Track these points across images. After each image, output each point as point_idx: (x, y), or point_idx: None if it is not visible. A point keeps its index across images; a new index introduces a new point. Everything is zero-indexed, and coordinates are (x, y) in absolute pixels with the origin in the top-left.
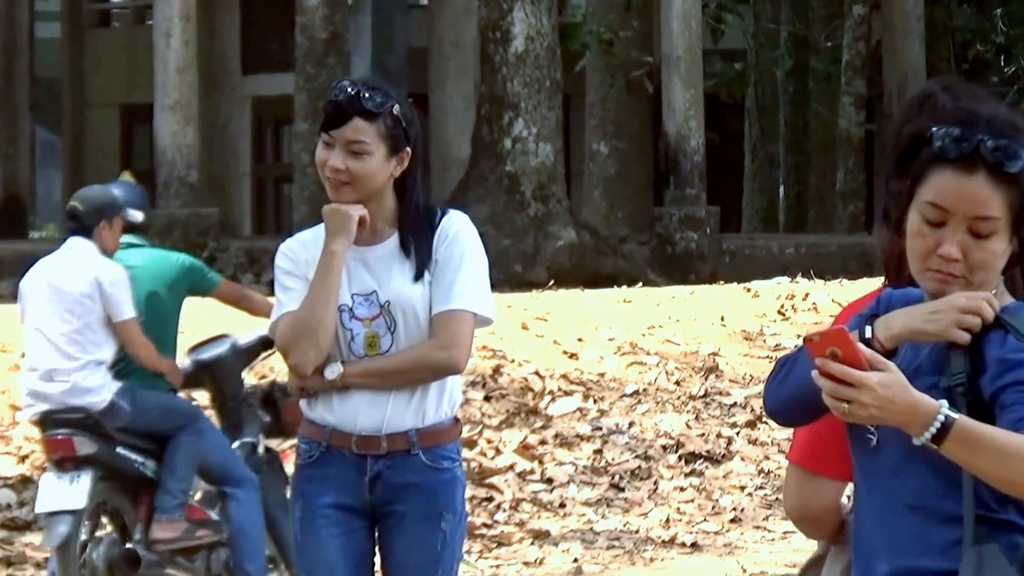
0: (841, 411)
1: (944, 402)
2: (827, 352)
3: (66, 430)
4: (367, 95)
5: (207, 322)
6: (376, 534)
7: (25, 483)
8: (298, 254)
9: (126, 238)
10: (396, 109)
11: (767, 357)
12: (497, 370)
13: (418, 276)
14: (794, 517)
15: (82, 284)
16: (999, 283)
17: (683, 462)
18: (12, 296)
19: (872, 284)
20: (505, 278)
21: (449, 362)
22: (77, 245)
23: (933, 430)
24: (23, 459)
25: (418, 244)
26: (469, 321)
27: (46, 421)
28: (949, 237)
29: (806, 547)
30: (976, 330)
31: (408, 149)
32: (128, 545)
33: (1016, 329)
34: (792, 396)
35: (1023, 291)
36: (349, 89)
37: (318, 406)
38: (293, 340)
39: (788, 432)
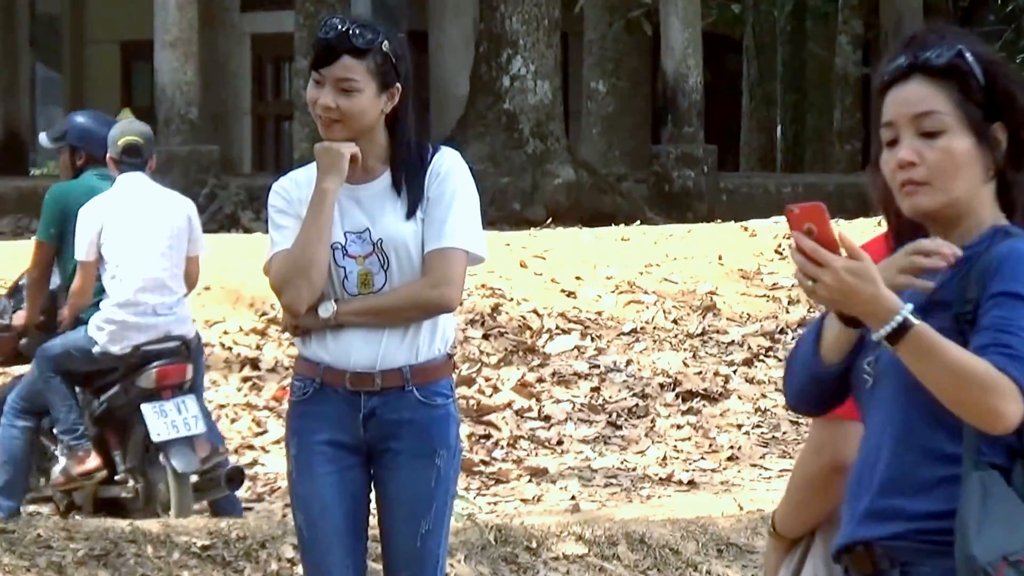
0: (807, 289)
1: (910, 305)
2: (804, 228)
3: (169, 360)
4: (356, 32)
5: None
6: (371, 471)
7: None
8: (291, 192)
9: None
10: (385, 46)
11: (764, 296)
12: (495, 308)
13: (410, 213)
14: (832, 468)
15: (180, 219)
16: (988, 203)
17: (680, 400)
18: (12, 233)
19: (868, 223)
20: (503, 216)
21: (441, 300)
22: (142, 182)
23: (890, 328)
24: None
25: (410, 181)
26: (461, 259)
27: (134, 354)
28: (904, 145)
29: None
30: (918, 271)
31: (398, 85)
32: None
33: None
34: (801, 382)
35: None
36: (339, 26)
37: (312, 344)
38: (286, 278)
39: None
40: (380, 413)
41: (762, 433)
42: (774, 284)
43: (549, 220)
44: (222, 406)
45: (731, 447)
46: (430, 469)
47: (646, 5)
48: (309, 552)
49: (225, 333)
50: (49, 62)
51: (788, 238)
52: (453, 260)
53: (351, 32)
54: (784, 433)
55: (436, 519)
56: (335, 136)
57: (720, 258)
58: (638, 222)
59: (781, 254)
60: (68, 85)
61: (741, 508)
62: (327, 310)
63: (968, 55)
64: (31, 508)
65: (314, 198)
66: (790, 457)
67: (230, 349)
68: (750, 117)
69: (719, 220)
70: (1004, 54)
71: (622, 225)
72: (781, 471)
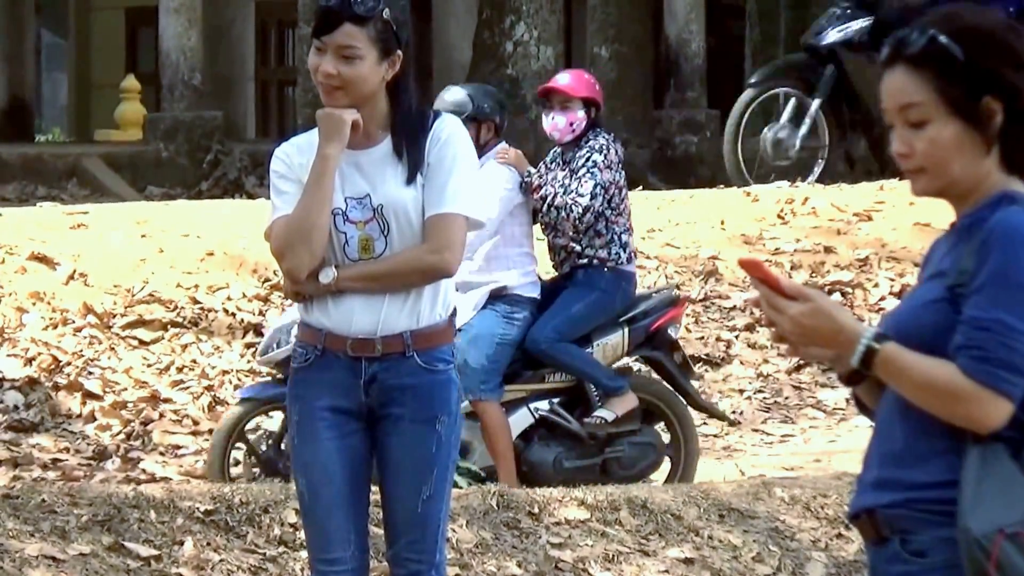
0: (775, 337)
1: (870, 331)
2: (758, 278)
3: None
4: (358, 0)
5: None
6: (372, 436)
7: (32, 385)
8: (292, 158)
9: None
10: (387, 13)
11: (767, 261)
12: None
13: (410, 179)
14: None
15: None
16: (993, 171)
17: None
18: (18, 199)
19: (870, 189)
20: None
21: (441, 265)
22: None
23: (857, 357)
24: (29, 361)
25: (411, 147)
26: (461, 224)
27: None
28: (896, 135)
29: (803, 451)
30: None
31: (399, 53)
32: None
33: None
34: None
35: None
36: None
37: (314, 310)
38: (288, 244)
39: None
40: (382, 379)
41: (764, 398)
42: (776, 249)
43: None
44: (225, 372)
45: (733, 412)
46: (431, 434)
47: None
48: (310, 517)
49: (228, 299)
50: (54, 28)
51: (790, 203)
52: (453, 225)
53: (352, 0)
54: (786, 398)
55: (437, 484)
56: (337, 103)
57: (723, 223)
58: (640, 187)
59: (783, 219)
60: (73, 51)
61: (743, 473)
62: (328, 276)
63: (942, 38)
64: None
65: (316, 164)
66: (792, 422)
67: (233, 315)
68: None
69: (722, 186)
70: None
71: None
72: (783, 436)
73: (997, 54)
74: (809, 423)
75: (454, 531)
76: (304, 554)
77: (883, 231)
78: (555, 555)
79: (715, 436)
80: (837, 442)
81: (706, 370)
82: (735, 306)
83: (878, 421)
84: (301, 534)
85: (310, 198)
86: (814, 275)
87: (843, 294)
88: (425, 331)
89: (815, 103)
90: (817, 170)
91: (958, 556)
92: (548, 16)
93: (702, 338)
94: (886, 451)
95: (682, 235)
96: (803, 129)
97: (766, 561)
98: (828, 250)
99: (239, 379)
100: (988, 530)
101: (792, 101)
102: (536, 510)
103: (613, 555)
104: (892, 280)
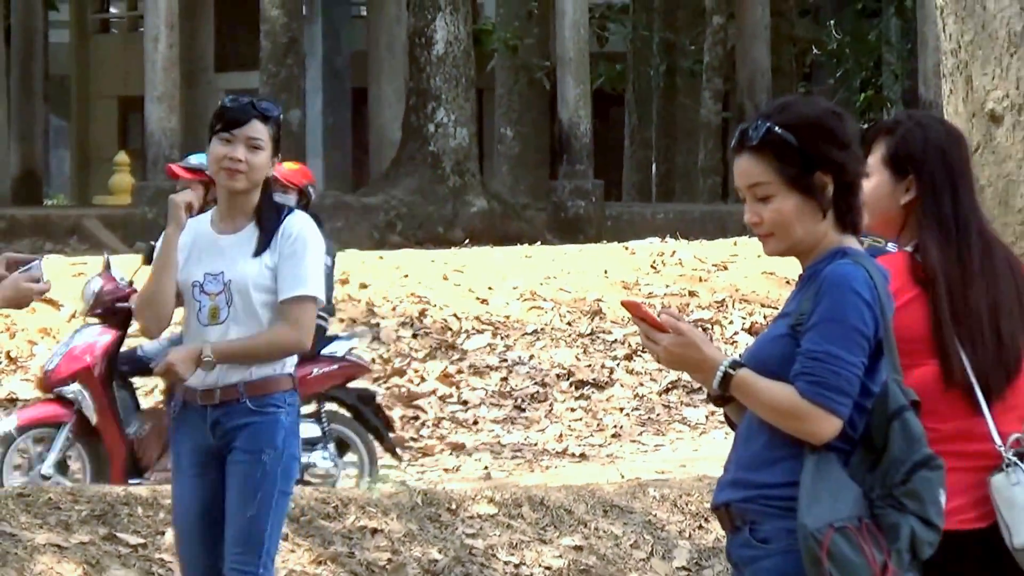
0: (656, 359)
1: (728, 360)
2: (639, 315)
3: None
4: (263, 104)
5: None
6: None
7: None
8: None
9: None
10: (280, 118)
11: (642, 303)
12: (422, 313)
13: (257, 256)
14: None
15: None
16: (829, 231)
17: (573, 388)
18: (29, 253)
19: (726, 244)
20: (429, 237)
21: (297, 342)
22: None
23: (717, 380)
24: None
25: (266, 234)
26: (312, 306)
27: None
28: (746, 208)
29: (671, 458)
30: None
31: (279, 154)
32: None
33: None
34: None
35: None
36: (247, 99)
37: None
38: (139, 308)
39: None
40: (222, 422)
41: (640, 415)
42: (650, 293)
43: (466, 241)
44: None
45: (615, 426)
46: (257, 465)
47: (545, 66)
48: (177, 542)
49: None
50: (60, 113)
51: (661, 255)
52: (306, 306)
53: (258, 103)
54: (658, 415)
55: (261, 506)
56: (238, 185)
57: (606, 272)
58: (539, 243)
59: (655, 269)
60: (75, 132)
61: (623, 476)
62: (207, 355)
63: (777, 128)
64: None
65: (161, 242)
66: (663, 435)
67: None
68: (630, 157)
69: (605, 241)
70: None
71: (526, 245)
72: (656, 446)
73: (824, 138)
74: (676, 435)
75: (387, 523)
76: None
77: (736, 278)
78: (469, 543)
79: (600, 446)
80: (699, 451)
81: (593, 392)
82: (616, 339)
83: (737, 433)
84: None
85: (155, 270)
86: (681, 314)
87: (704, 329)
88: (258, 382)
89: None
90: None
91: (796, 544)
92: (463, 103)
93: (589, 366)
94: (742, 457)
95: (573, 282)
96: None
97: (641, 547)
98: (692, 294)
99: None
100: (821, 525)
101: None
102: (453, 506)
103: (516, 543)
104: (744, 318)
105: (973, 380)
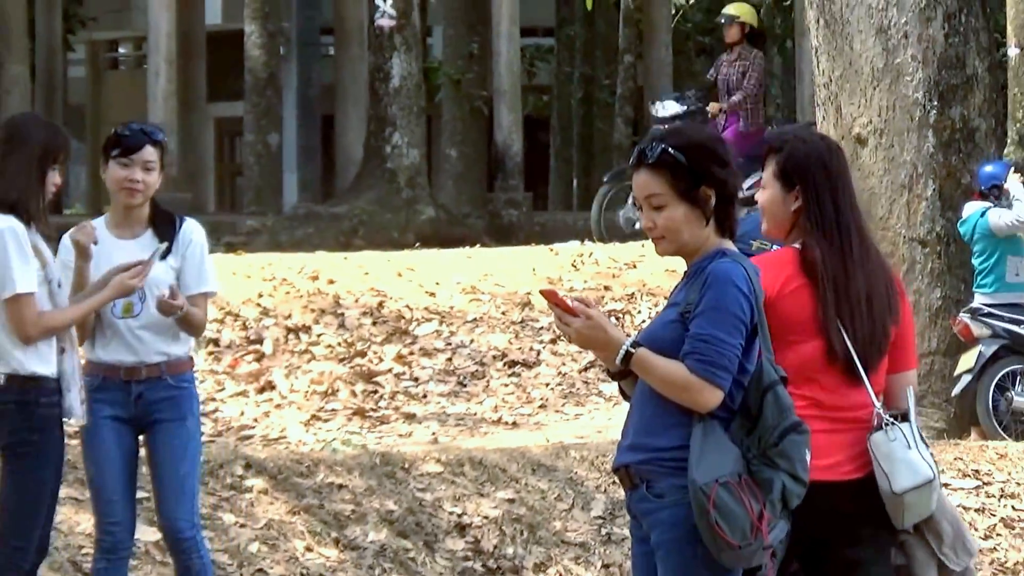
0: (568, 338)
1: (629, 340)
2: (555, 302)
3: None
4: (154, 132)
5: None
6: (139, 436)
7: None
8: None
9: None
10: (165, 141)
11: (556, 291)
12: (380, 304)
13: (163, 259)
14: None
15: None
16: (711, 235)
17: (507, 367)
18: None
19: (635, 246)
20: (386, 241)
21: (204, 326)
22: None
23: (620, 356)
24: None
25: (167, 240)
26: (209, 300)
27: None
28: (643, 215)
29: (589, 425)
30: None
31: (164, 169)
32: None
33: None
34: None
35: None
36: (139, 126)
37: (96, 350)
38: (79, 328)
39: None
40: (145, 394)
41: (563, 389)
42: (571, 288)
43: (417, 244)
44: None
45: (542, 399)
46: (183, 428)
47: (484, 96)
48: (98, 496)
49: None
50: (76, 136)
51: (580, 256)
52: (207, 299)
53: (150, 131)
54: (578, 389)
55: (191, 464)
56: (136, 202)
57: (534, 270)
58: (478, 245)
59: (576, 267)
60: (90, 152)
61: (548, 440)
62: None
63: (671, 150)
64: None
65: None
66: (582, 406)
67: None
68: (555, 173)
69: (533, 244)
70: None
71: (467, 247)
72: (576, 415)
73: (708, 158)
74: (593, 406)
75: (350, 480)
76: (245, 496)
77: (644, 275)
78: (420, 496)
79: (529, 416)
80: (612, 419)
81: (523, 370)
82: (543, 326)
83: (632, 404)
84: (247, 482)
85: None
86: (597, 304)
87: (617, 319)
88: (174, 362)
89: None
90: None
91: (687, 497)
92: (415, 128)
93: (520, 348)
94: (638, 424)
95: (506, 278)
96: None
97: (564, 500)
98: (606, 288)
99: (202, 377)
100: (708, 480)
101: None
102: (406, 466)
103: (459, 496)
104: (650, 308)
105: (854, 355)
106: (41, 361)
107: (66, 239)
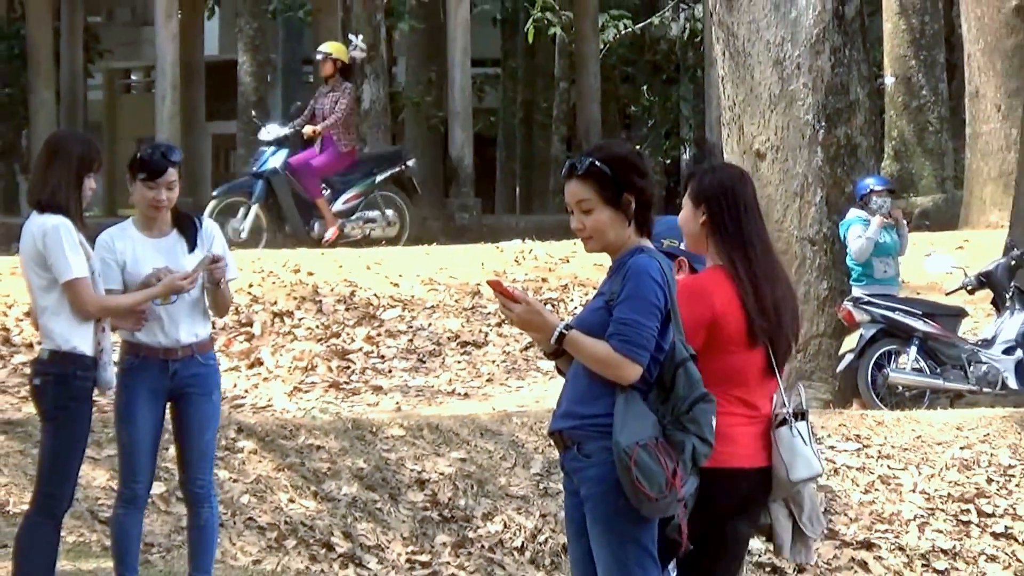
0: (510, 321)
1: (563, 323)
2: (499, 291)
3: None
4: (172, 154)
5: None
6: (169, 407)
7: None
8: (114, 242)
9: None
10: (181, 159)
11: (501, 282)
12: (352, 293)
13: (191, 252)
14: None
15: None
16: (632, 235)
17: (460, 347)
18: None
19: (568, 244)
20: (360, 241)
21: (230, 303)
22: None
23: (554, 337)
24: None
25: (191, 236)
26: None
27: None
28: (574, 217)
29: (529, 396)
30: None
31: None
32: None
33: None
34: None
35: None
36: (161, 149)
37: (136, 334)
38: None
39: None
40: (179, 371)
41: (507, 366)
42: (514, 279)
43: (383, 242)
44: None
45: (489, 374)
46: (208, 402)
47: (441, 116)
48: (132, 453)
49: None
50: None
51: (522, 252)
52: (232, 285)
53: (169, 154)
54: (519, 365)
55: (212, 431)
56: (162, 215)
57: (483, 264)
58: (435, 244)
59: (518, 262)
60: (106, 163)
61: (494, 409)
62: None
63: (598, 163)
64: None
65: (138, 295)
66: (523, 379)
67: None
68: (501, 183)
69: (483, 243)
70: (649, 150)
71: (426, 245)
72: (518, 387)
73: (630, 170)
74: (533, 380)
75: (327, 442)
76: (237, 456)
77: (576, 269)
78: (385, 456)
79: (478, 388)
80: (548, 391)
81: (473, 349)
82: (490, 312)
83: (567, 378)
84: (240, 443)
85: (136, 299)
86: (535, 294)
87: (553, 306)
88: (203, 342)
89: (254, 206)
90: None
91: (611, 457)
92: (382, 143)
93: (471, 331)
94: (570, 395)
95: (459, 272)
96: (247, 222)
97: (508, 459)
98: (544, 280)
99: None
100: (630, 443)
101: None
102: (374, 430)
103: (419, 456)
104: (582, 297)
105: (773, 361)
106: (81, 339)
107: (102, 238)
